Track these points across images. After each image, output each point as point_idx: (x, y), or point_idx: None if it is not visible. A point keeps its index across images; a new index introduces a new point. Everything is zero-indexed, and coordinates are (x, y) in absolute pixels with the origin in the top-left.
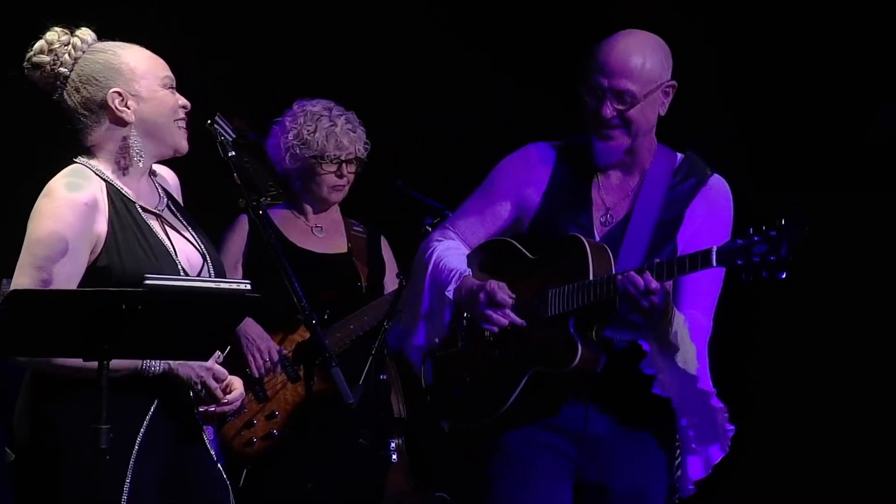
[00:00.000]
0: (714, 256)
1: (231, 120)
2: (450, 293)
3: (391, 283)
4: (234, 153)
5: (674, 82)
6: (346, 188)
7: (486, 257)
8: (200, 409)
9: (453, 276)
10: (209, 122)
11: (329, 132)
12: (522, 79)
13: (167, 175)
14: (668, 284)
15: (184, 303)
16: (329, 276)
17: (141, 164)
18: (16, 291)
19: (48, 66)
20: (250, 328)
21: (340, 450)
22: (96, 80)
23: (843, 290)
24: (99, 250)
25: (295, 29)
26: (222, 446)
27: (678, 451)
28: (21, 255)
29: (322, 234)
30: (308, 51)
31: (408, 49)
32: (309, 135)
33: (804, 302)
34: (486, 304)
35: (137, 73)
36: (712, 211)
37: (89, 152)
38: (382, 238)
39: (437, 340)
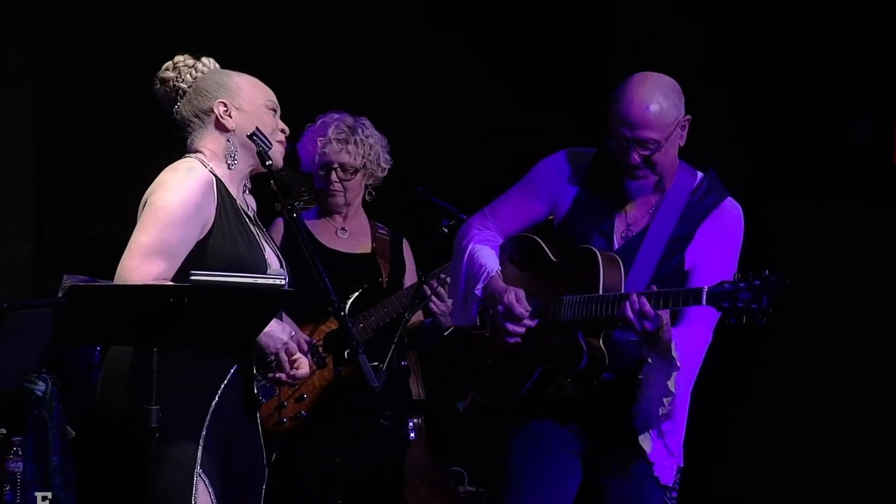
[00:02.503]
0: (704, 296)
1: None
2: (478, 291)
3: (410, 279)
4: (271, 162)
5: (689, 116)
6: (344, 194)
7: (514, 252)
8: (269, 376)
9: (483, 273)
10: (249, 133)
11: (317, 141)
12: (532, 87)
13: (250, 201)
14: (666, 312)
15: (225, 296)
16: (354, 274)
17: (238, 169)
18: (72, 287)
19: (171, 81)
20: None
21: (364, 430)
22: (207, 92)
23: (840, 292)
24: (208, 229)
25: (321, 41)
26: None
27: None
28: (143, 217)
29: (346, 235)
30: (333, 62)
31: (428, 63)
32: (308, 142)
33: (802, 302)
34: (503, 316)
35: (243, 90)
36: (722, 234)
37: (196, 153)
38: (405, 240)
39: (467, 322)
